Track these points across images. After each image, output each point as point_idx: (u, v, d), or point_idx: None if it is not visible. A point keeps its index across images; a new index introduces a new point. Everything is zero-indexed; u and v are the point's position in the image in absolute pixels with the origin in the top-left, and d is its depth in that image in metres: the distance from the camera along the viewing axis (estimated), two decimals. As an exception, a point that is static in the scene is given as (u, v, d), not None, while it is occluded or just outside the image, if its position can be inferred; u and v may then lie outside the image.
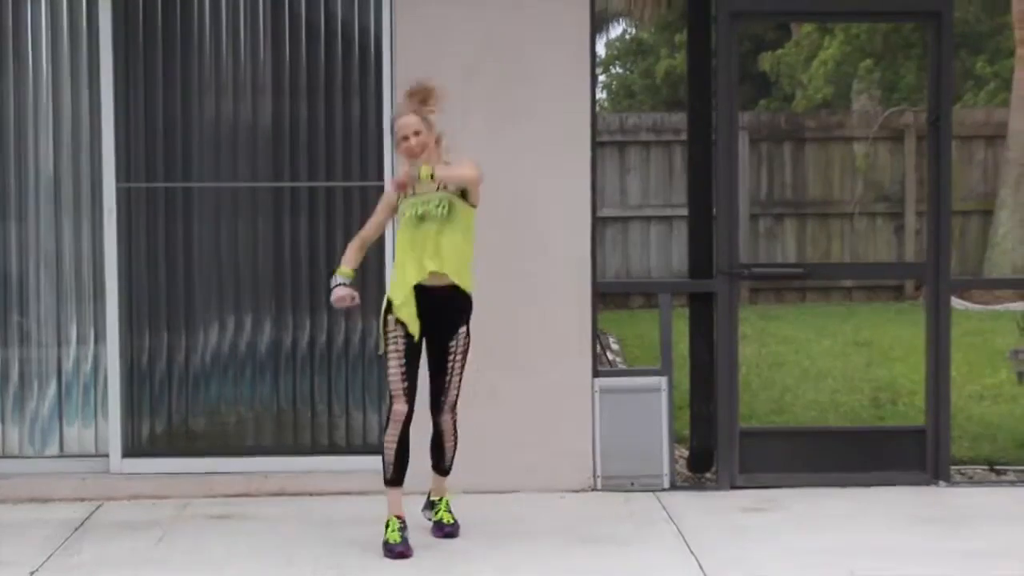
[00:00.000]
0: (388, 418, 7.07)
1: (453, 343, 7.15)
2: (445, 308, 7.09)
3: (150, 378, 8.52)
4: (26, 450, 8.53)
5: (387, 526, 7.03)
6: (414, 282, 6.99)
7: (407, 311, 7.01)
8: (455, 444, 7.31)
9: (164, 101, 8.47)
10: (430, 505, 7.43)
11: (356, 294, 7.15)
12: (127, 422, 8.44)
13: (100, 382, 8.48)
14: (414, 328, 7.01)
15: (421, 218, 6.99)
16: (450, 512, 7.35)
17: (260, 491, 8.25)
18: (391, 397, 7.07)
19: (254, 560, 6.89)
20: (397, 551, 6.92)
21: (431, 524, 7.36)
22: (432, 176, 6.87)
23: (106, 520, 7.77)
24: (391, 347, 7.05)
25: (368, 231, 7.27)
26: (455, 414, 7.24)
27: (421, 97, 7.12)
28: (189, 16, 8.46)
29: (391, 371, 7.05)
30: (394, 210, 7.18)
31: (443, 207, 6.99)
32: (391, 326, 7.05)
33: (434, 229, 6.98)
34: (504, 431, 8.01)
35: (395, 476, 7.07)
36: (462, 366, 7.19)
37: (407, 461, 7.08)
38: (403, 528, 7.02)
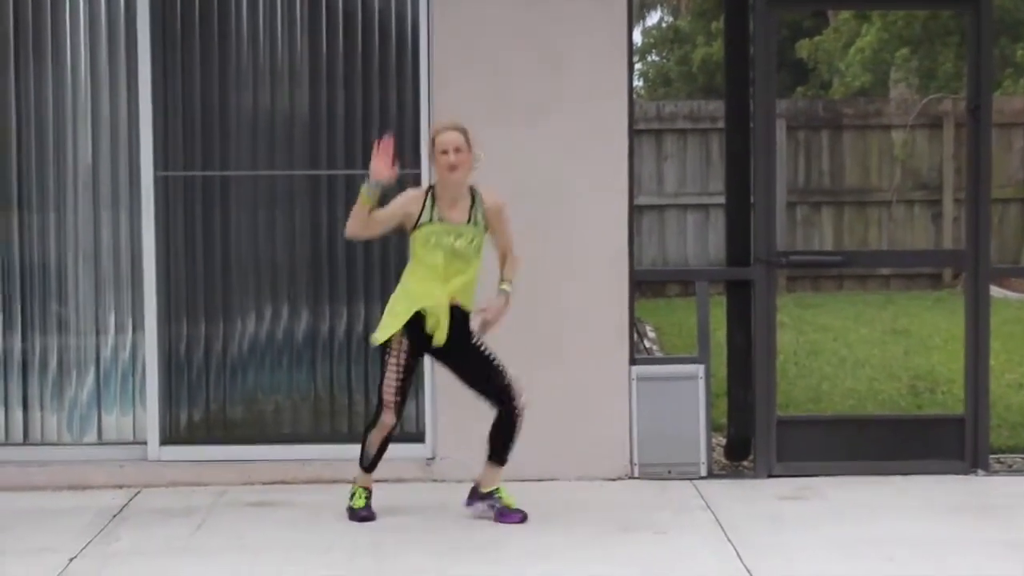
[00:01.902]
0: (374, 422, 7.33)
1: (476, 340, 7.24)
2: (460, 324, 7.21)
3: (188, 366, 8.54)
4: (65, 437, 8.58)
5: (353, 495, 7.44)
6: (443, 303, 7.12)
7: (434, 321, 7.14)
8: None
9: (202, 89, 8.49)
10: (481, 497, 7.43)
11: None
12: (165, 410, 8.47)
13: (138, 370, 8.51)
14: (440, 336, 7.14)
15: (456, 254, 7.11)
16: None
17: (297, 479, 8.27)
18: (380, 405, 7.27)
19: (292, 547, 6.91)
20: (361, 515, 7.36)
21: (493, 510, 7.36)
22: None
23: (144, 507, 7.80)
24: (391, 359, 7.20)
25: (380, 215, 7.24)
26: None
27: (463, 128, 7.18)
28: (227, 5, 8.47)
29: (387, 382, 7.22)
30: (407, 217, 7.17)
31: (476, 243, 7.16)
32: (395, 341, 7.18)
33: (467, 263, 7.15)
34: (542, 419, 7.99)
35: (371, 466, 7.44)
36: (492, 353, 7.25)
37: (384, 453, 7.41)
38: (369, 496, 7.42)
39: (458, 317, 7.20)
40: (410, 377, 7.27)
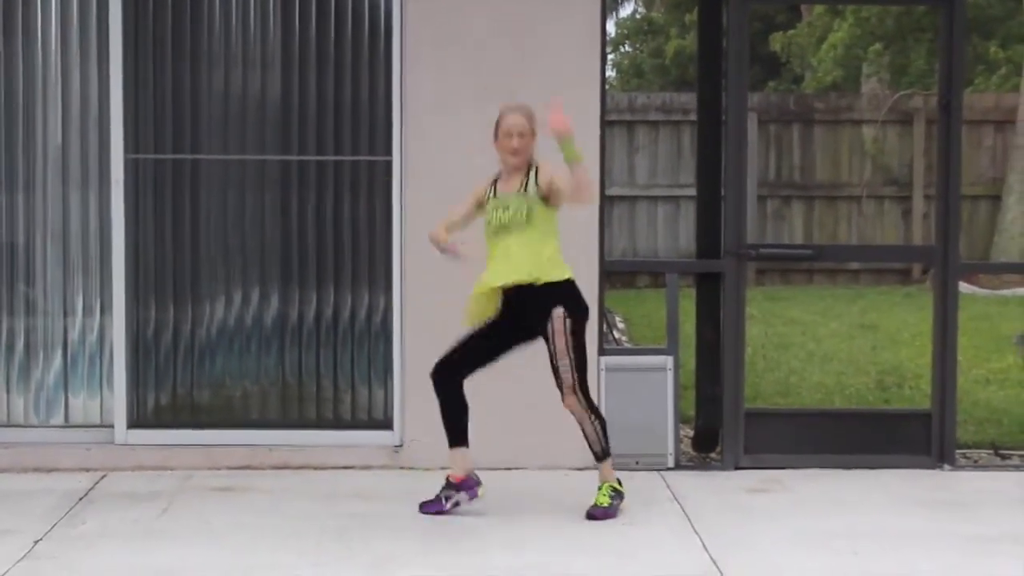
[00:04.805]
0: None
1: (548, 325, 7.11)
2: (532, 301, 7.13)
3: (156, 350, 8.52)
4: (31, 419, 8.54)
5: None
6: (491, 286, 7.13)
7: (477, 309, 7.20)
8: (593, 426, 7.26)
9: (173, 73, 8.46)
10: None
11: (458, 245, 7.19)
12: (132, 393, 8.44)
13: (106, 353, 8.48)
14: (477, 317, 7.20)
15: (502, 226, 7.09)
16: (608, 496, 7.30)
17: (264, 464, 8.25)
18: None
19: (257, 532, 6.89)
20: (428, 509, 7.22)
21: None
22: (575, 156, 6.93)
23: (110, 490, 7.78)
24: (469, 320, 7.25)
25: (454, 217, 7.33)
26: (579, 396, 7.20)
27: (528, 111, 7.22)
28: (199, -12, 8.46)
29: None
30: (480, 203, 7.27)
31: (521, 213, 7.07)
32: (471, 304, 7.22)
33: (511, 238, 7.09)
34: (510, 408, 8.00)
35: (452, 438, 7.26)
36: (565, 345, 7.12)
37: (457, 422, 7.23)
38: (445, 487, 7.24)
39: (536, 296, 7.13)
40: (479, 343, 7.25)
